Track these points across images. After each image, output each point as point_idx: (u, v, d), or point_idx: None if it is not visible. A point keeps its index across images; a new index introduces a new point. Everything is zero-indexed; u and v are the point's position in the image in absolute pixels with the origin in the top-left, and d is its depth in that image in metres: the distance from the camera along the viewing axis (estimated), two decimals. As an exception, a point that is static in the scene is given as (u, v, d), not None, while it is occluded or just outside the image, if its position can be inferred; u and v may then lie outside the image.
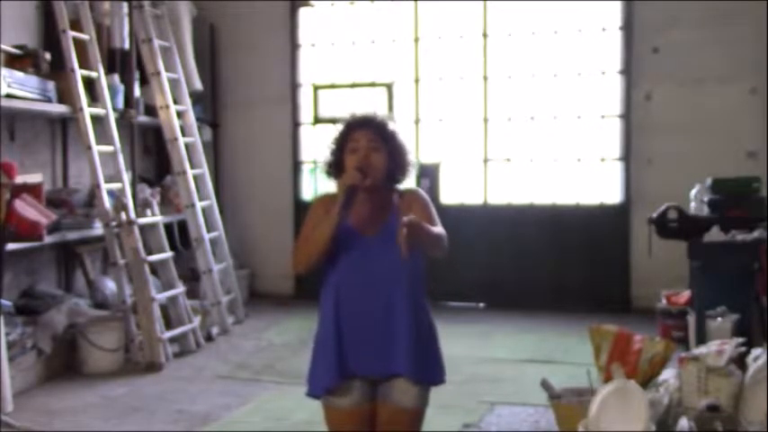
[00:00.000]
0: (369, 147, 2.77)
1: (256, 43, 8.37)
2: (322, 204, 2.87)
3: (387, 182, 2.85)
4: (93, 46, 6.29)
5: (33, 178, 5.97)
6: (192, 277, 7.23)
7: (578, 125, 7.74)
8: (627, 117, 7.58)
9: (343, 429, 2.82)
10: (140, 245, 6.06)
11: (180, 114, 7.26)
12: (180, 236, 7.30)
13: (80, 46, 6.18)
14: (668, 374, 4.05)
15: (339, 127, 2.88)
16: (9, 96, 5.51)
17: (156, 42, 7.08)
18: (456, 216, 7.90)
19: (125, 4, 6.82)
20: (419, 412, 2.84)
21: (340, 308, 2.78)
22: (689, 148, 7.28)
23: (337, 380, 2.75)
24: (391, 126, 2.87)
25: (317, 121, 8.32)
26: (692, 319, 5.38)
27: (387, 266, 2.75)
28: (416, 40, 8.08)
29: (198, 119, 7.67)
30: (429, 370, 2.84)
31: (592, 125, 7.71)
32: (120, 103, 6.63)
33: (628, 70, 7.55)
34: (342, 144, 2.84)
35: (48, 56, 6.22)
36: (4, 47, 5.88)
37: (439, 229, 2.80)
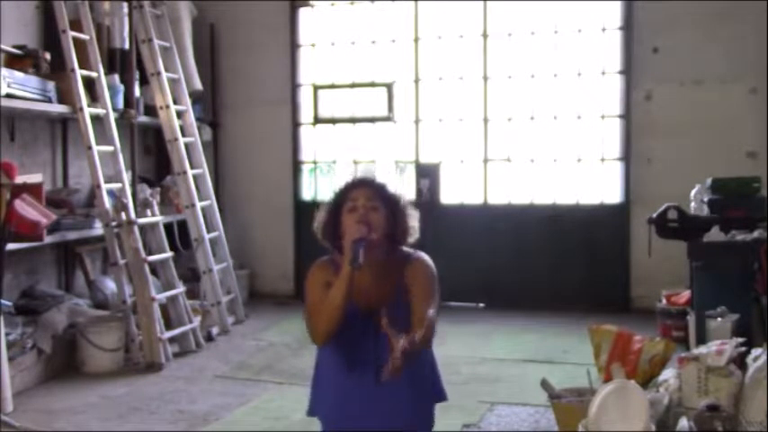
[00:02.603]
0: (367, 205, 2.71)
1: (256, 43, 8.37)
2: (322, 271, 2.82)
3: (388, 245, 2.77)
4: (93, 46, 6.29)
5: (33, 178, 5.96)
6: (192, 277, 7.23)
7: (578, 125, 7.74)
8: (627, 117, 7.58)
9: None
10: (140, 245, 6.06)
11: (180, 114, 7.26)
12: (180, 236, 7.30)
13: (80, 46, 6.18)
14: (668, 374, 4.05)
15: (337, 188, 2.82)
16: (9, 96, 5.51)
17: (156, 42, 7.08)
18: (456, 216, 7.93)
19: (125, 4, 6.82)
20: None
21: (339, 383, 2.76)
22: (689, 148, 7.28)
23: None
24: (392, 188, 2.81)
25: (317, 121, 8.32)
26: (692, 319, 5.38)
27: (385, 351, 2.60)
28: (416, 40, 8.08)
29: (198, 119, 7.67)
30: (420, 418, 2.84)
31: (592, 125, 7.71)
32: (120, 103, 6.63)
33: (628, 70, 7.55)
34: (339, 204, 2.77)
35: (48, 56, 6.22)
36: (4, 47, 5.89)
37: (430, 314, 2.68)
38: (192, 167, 7.20)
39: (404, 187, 2.94)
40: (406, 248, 2.85)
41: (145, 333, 5.91)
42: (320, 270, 2.82)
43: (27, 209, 5.50)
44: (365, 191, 2.73)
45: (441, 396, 2.95)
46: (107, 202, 6.05)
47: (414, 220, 2.84)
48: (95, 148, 6.08)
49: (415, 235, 2.84)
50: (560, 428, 3.98)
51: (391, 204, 2.76)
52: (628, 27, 7.54)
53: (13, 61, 5.90)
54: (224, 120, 8.53)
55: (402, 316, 2.64)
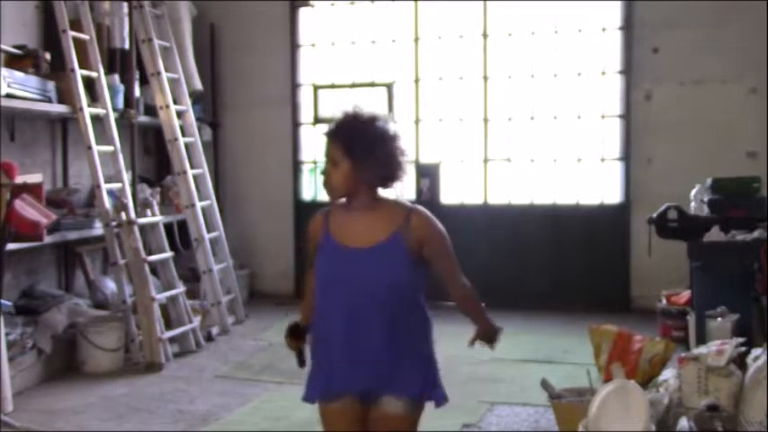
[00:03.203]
0: (330, 161, 2.71)
1: (256, 43, 8.37)
2: (312, 228, 2.85)
3: (377, 186, 2.75)
4: (93, 46, 6.29)
5: (33, 178, 5.96)
6: (192, 277, 7.23)
7: (578, 125, 7.74)
8: (627, 117, 7.58)
9: (336, 429, 2.79)
10: (140, 245, 6.06)
11: (180, 114, 7.26)
12: (180, 236, 7.29)
13: (80, 46, 6.18)
14: (668, 374, 4.05)
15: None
16: (9, 96, 5.51)
17: (156, 42, 7.07)
18: (456, 216, 7.90)
19: (125, 4, 6.82)
20: (410, 419, 2.78)
21: (326, 322, 2.75)
22: (689, 148, 7.28)
23: (324, 392, 2.77)
24: (369, 130, 2.69)
25: (317, 121, 8.31)
26: (691, 319, 5.38)
27: (371, 285, 2.68)
28: (416, 40, 8.08)
29: (198, 119, 7.67)
30: (419, 386, 2.77)
31: (592, 125, 7.71)
32: (120, 103, 6.63)
33: (628, 70, 7.55)
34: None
35: (48, 56, 6.22)
36: (4, 47, 5.89)
37: (455, 273, 2.96)
38: (192, 167, 7.20)
39: (390, 123, 2.80)
40: (403, 201, 2.81)
41: (145, 333, 5.91)
42: (312, 225, 2.86)
43: (27, 209, 5.50)
44: (332, 145, 2.71)
45: (435, 393, 2.86)
46: (107, 202, 6.05)
47: (400, 157, 2.74)
48: (95, 148, 6.08)
49: (405, 172, 2.78)
50: (560, 428, 3.99)
51: (363, 154, 2.67)
52: (628, 27, 7.54)
53: (13, 61, 5.90)
54: (224, 120, 8.53)
55: (397, 256, 2.68)
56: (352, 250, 2.71)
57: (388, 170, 2.73)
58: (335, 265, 2.74)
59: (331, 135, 2.73)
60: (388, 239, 2.69)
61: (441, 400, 2.83)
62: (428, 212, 2.81)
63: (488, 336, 3.06)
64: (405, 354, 2.72)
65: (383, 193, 2.78)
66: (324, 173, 2.75)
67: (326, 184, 2.75)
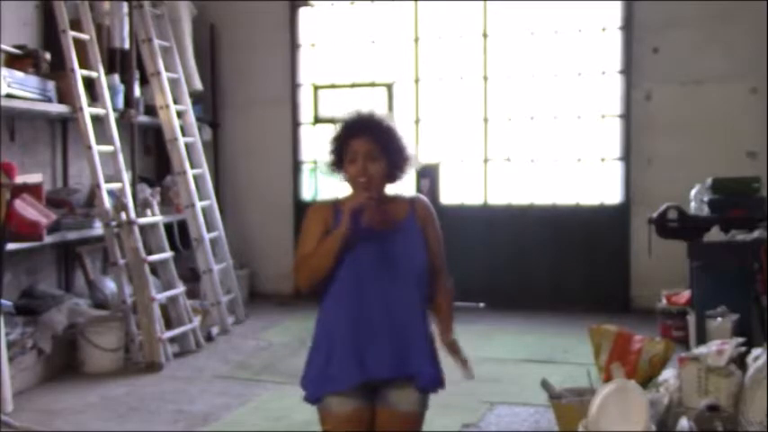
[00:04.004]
0: (367, 157, 2.74)
1: (256, 43, 8.37)
2: (318, 215, 2.82)
3: (387, 180, 2.83)
4: (93, 46, 6.30)
5: (33, 178, 5.97)
6: (191, 277, 7.23)
7: (578, 125, 7.74)
8: (627, 117, 7.58)
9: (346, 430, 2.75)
10: (140, 245, 6.06)
11: (180, 114, 7.26)
12: (180, 236, 7.30)
13: (80, 46, 6.18)
14: (668, 374, 4.05)
15: (338, 127, 2.82)
16: (9, 96, 5.51)
17: (156, 42, 7.08)
18: (456, 216, 7.92)
19: (125, 4, 6.82)
20: (420, 416, 2.84)
21: (354, 303, 2.73)
22: (689, 148, 7.28)
23: (357, 379, 2.70)
24: (389, 125, 2.82)
25: (317, 121, 8.31)
26: (691, 319, 5.38)
27: (402, 263, 2.76)
28: (416, 40, 8.08)
29: (198, 119, 7.67)
30: (437, 375, 2.87)
31: (592, 125, 7.71)
32: (120, 103, 6.63)
33: (628, 70, 7.55)
34: (341, 147, 2.79)
35: (48, 56, 6.22)
36: (4, 47, 5.89)
37: (443, 263, 2.97)
38: (192, 167, 7.20)
39: (397, 121, 2.88)
40: (402, 193, 2.92)
41: (145, 333, 5.91)
42: (316, 213, 2.84)
43: (27, 209, 5.50)
44: (365, 140, 2.74)
45: (442, 381, 2.93)
46: (107, 202, 6.05)
47: (410, 151, 2.88)
48: (95, 148, 6.08)
49: (414, 165, 2.93)
50: (560, 428, 3.98)
51: (391, 146, 2.80)
52: (628, 27, 7.54)
53: (13, 61, 5.90)
54: (224, 120, 8.53)
55: (417, 235, 2.81)
56: (380, 231, 2.76)
57: (405, 165, 2.87)
58: (366, 245, 2.75)
59: (362, 131, 2.76)
60: (407, 219, 2.82)
61: (441, 384, 2.92)
62: (427, 200, 2.98)
63: (452, 345, 2.93)
64: (421, 336, 2.80)
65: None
66: (359, 168, 2.73)
67: (360, 181, 2.73)
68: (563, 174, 7.80)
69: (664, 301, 6.43)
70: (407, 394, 2.77)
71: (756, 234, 5.09)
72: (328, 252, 2.70)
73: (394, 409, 2.76)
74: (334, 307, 2.78)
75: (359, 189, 2.75)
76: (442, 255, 2.95)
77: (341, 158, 2.80)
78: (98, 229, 6.20)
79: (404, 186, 2.95)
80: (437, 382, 2.86)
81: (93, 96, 6.29)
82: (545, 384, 4.19)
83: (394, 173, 2.83)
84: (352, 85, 8.25)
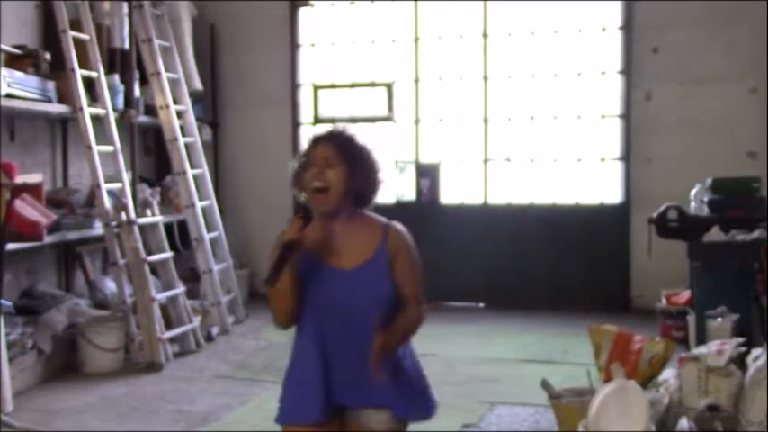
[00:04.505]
0: (324, 162, 2.57)
1: (256, 43, 8.37)
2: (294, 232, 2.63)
3: (355, 203, 2.65)
4: (93, 46, 6.29)
5: (33, 178, 5.97)
6: (191, 277, 7.23)
7: (578, 125, 7.74)
8: (627, 117, 7.58)
9: None
10: (140, 245, 6.06)
11: (180, 114, 7.26)
12: (180, 236, 7.29)
13: (80, 46, 6.18)
14: (668, 374, 4.06)
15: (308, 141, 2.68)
16: (9, 96, 5.51)
17: (156, 42, 7.08)
18: (456, 216, 7.93)
19: (125, 4, 6.82)
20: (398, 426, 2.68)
21: (318, 342, 2.61)
22: (689, 148, 7.28)
23: (323, 414, 2.60)
24: (360, 141, 2.65)
25: (317, 121, 8.31)
26: (691, 319, 5.38)
27: (367, 302, 2.56)
28: (416, 40, 8.08)
29: (198, 119, 7.67)
30: (411, 404, 2.68)
31: (592, 125, 7.71)
32: (120, 103, 6.63)
33: (628, 70, 7.55)
34: (306, 159, 2.64)
35: (48, 56, 6.22)
36: (4, 47, 5.89)
37: (417, 295, 2.64)
38: (192, 167, 7.20)
39: (374, 143, 2.75)
40: (377, 216, 2.72)
41: (145, 333, 5.91)
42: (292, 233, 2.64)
43: (27, 209, 5.50)
44: (325, 147, 2.60)
45: (425, 409, 2.73)
46: (107, 202, 6.05)
47: (383, 175, 2.69)
48: (95, 148, 6.08)
49: (384, 191, 2.72)
50: (560, 428, 3.98)
51: (358, 161, 2.61)
52: (628, 27, 7.54)
53: (13, 61, 5.90)
54: (224, 120, 8.53)
55: (383, 273, 2.59)
56: (335, 271, 2.60)
57: (374, 184, 2.67)
58: (317, 286, 2.60)
59: (322, 139, 2.63)
60: (374, 257, 2.60)
61: (432, 410, 2.75)
62: (404, 229, 2.71)
63: (388, 344, 2.57)
64: (391, 373, 2.59)
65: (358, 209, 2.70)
66: (313, 176, 2.58)
67: (316, 186, 2.58)
68: (563, 174, 7.79)
69: (664, 301, 6.43)
70: (380, 415, 2.63)
71: (756, 234, 5.10)
72: (282, 293, 2.56)
73: (363, 425, 2.64)
74: (300, 341, 2.69)
75: (315, 201, 2.58)
76: (415, 284, 2.66)
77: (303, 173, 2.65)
78: (98, 229, 6.20)
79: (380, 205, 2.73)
80: (409, 411, 2.68)
81: (93, 96, 6.29)
82: (545, 384, 4.19)
83: (361, 192, 2.64)
84: (352, 85, 8.25)
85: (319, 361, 2.62)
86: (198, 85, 7.80)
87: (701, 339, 4.75)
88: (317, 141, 2.65)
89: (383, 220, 2.71)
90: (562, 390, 4.16)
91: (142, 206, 6.43)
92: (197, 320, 6.50)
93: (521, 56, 7.82)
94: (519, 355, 6.09)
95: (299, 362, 2.71)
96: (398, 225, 2.72)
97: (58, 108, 6.07)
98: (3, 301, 5.16)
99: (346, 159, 2.60)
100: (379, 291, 2.59)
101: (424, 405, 2.73)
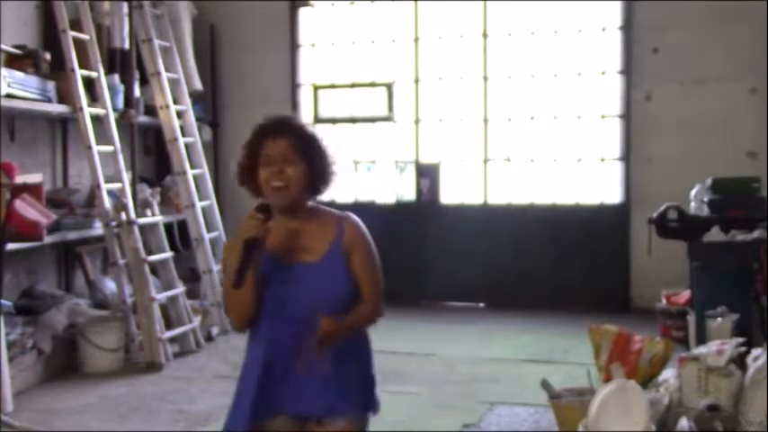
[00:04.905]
0: (284, 160, 2.46)
1: (256, 43, 8.37)
2: (236, 234, 2.51)
3: (309, 194, 2.56)
4: (93, 46, 6.29)
5: (33, 178, 5.97)
6: (191, 277, 7.23)
7: (578, 125, 7.74)
8: (627, 117, 7.58)
9: None
10: (140, 245, 6.06)
11: (180, 114, 7.26)
12: (180, 236, 7.29)
13: (80, 46, 6.18)
14: (668, 374, 4.06)
15: (252, 133, 2.55)
16: (9, 96, 5.51)
17: (156, 42, 7.08)
18: (456, 216, 7.92)
19: (125, 4, 6.82)
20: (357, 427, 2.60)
21: (270, 343, 2.52)
22: (689, 148, 7.28)
23: (254, 422, 2.53)
24: (311, 132, 2.57)
25: (317, 121, 8.31)
26: (691, 319, 5.38)
27: (323, 297, 2.48)
28: (416, 40, 8.08)
29: (198, 119, 7.67)
30: (363, 404, 2.60)
31: (592, 125, 7.71)
32: (120, 103, 6.63)
33: (628, 70, 7.55)
34: (255, 152, 2.51)
35: (48, 56, 6.22)
36: (4, 47, 5.89)
37: (374, 291, 2.55)
38: (192, 167, 7.20)
39: (320, 133, 2.62)
40: (331, 209, 2.64)
41: (145, 333, 5.91)
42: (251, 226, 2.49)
43: (27, 209, 5.50)
44: (281, 141, 2.48)
45: (367, 403, 2.62)
46: (107, 202, 6.05)
47: (333, 164, 2.58)
48: (95, 148, 6.08)
49: (334, 181, 2.61)
50: (560, 428, 3.98)
51: (312, 152, 2.52)
52: (628, 27, 7.54)
53: (13, 61, 5.90)
54: (224, 120, 8.53)
55: (341, 267, 2.51)
56: (295, 265, 2.51)
57: (330, 177, 2.58)
58: (277, 281, 2.50)
59: (278, 132, 2.50)
60: (331, 250, 2.52)
61: (376, 409, 2.65)
62: (359, 221, 2.62)
63: (332, 331, 2.47)
64: (349, 373, 2.54)
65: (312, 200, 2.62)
66: (273, 174, 2.47)
67: (276, 185, 2.47)
68: (563, 174, 7.79)
69: (664, 301, 6.43)
70: (337, 419, 2.54)
71: (756, 234, 5.10)
72: (241, 298, 2.47)
73: (325, 428, 2.55)
74: (252, 344, 2.61)
75: (275, 198, 2.48)
76: (374, 280, 2.57)
77: (253, 167, 2.52)
78: (98, 229, 6.20)
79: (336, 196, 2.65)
80: (365, 414, 2.60)
81: (93, 96, 6.29)
82: (545, 384, 4.19)
83: (316, 183, 2.54)
84: (352, 85, 8.25)
85: (261, 367, 2.55)
86: (198, 85, 7.80)
87: (701, 339, 4.75)
88: (265, 134, 2.52)
89: (337, 212, 2.63)
90: (562, 390, 4.17)
91: (142, 206, 6.43)
92: (197, 320, 6.50)
93: (521, 56, 7.82)
94: (519, 355, 6.09)
95: (248, 365, 2.64)
96: (354, 217, 2.63)
97: (58, 108, 6.07)
98: (3, 301, 5.16)
99: (304, 155, 2.50)
100: (334, 286, 2.50)
101: (362, 401, 2.61)
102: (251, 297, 2.48)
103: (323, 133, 2.62)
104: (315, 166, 2.52)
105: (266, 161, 2.49)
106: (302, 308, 2.49)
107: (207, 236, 7.13)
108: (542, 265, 7.73)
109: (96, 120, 6.21)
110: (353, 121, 8.27)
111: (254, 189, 2.56)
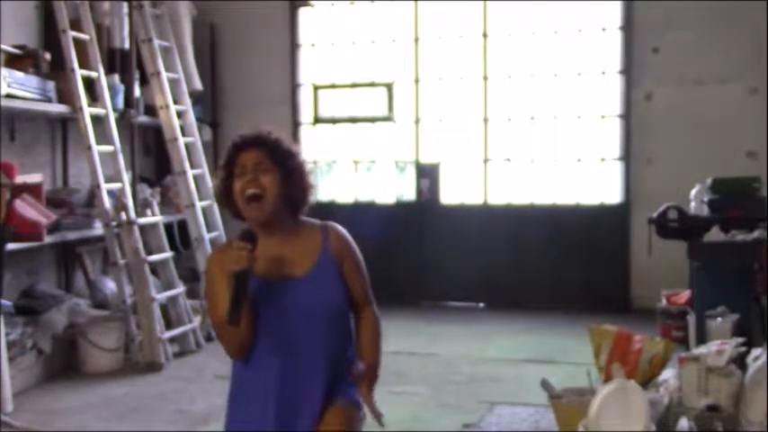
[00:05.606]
0: (257, 168, 2.47)
1: (256, 43, 8.37)
2: (218, 264, 2.52)
3: (291, 211, 2.55)
4: (93, 46, 6.30)
5: (33, 178, 5.97)
6: (191, 277, 7.23)
7: (578, 125, 7.74)
8: (627, 117, 7.58)
9: None
10: (140, 245, 6.06)
11: (180, 114, 7.26)
12: (180, 236, 7.29)
13: (80, 46, 6.18)
14: (668, 374, 4.05)
15: (228, 149, 2.57)
16: (9, 96, 5.51)
17: (156, 42, 7.07)
18: (456, 216, 7.93)
19: (125, 4, 6.82)
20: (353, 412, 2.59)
21: (261, 361, 2.49)
22: (689, 148, 7.28)
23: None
24: (288, 145, 2.58)
25: (317, 121, 8.32)
26: (692, 319, 5.38)
27: (318, 307, 2.49)
28: (416, 40, 8.08)
29: (198, 119, 7.67)
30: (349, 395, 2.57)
31: (592, 125, 7.71)
32: (120, 103, 6.63)
33: (628, 70, 7.55)
34: (231, 167, 2.52)
35: (48, 56, 6.23)
36: (4, 47, 5.89)
37: (366, 295, 2.59)
38: (192, 167, 7.20)
39: (298, 145, 2.68)
40: (311, 219, 2.64)
41: (145, 333, 5.91)
42: (217, 262, 2.52)
43: (27, 209, 5.50)
44: (254, 153, 2.50)
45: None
46: (107, 202, 6.05)
47: (311, 178, 2.60)
48: (95, 148, 6.08)
49: (314, 195, 2.63)
50: (560, 428, 3.98)
51: (286, 165, 2.52)
52: (628, 27, 7.54)
53: (13, 61, 5.90)
54: (224, 120, 8.53)
55: (332, 277, 2.52)
56: (285, 282, 2.49)
57: (306, 187, 2.58)
58: (269, 301, 2.46)
59: (248, 145, 2.52)
60: (320, 261, 2.52)
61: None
62: (342, 228, 2.64)
63: (369, 379, 2.53)
64: (341, 382, 2.55)
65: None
66: (247, 182, 2.46)
67: (251, 192, 2.46)
68: (563, 174, 7.80)
69: (664, 301, 6.42)
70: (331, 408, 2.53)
71: (756, 234, 5.09)
72: (236, 335, 2.42)
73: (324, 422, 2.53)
74: (244, 369, 2.54)
75: (251, 212, 2.49)
76: (366, 286, 2.61)
77: (230, 187, 2.52)
78: (98, 229, 6.20)
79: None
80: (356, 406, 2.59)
81: (93, 96, 6.29)
82: (545, 384, 4.19)
83: (291, 195, 2.53)
84: (353, 85, 8.26)
85: (263, 395, 2.48)
86: (198, 85, 7.79)
87: (701, 339, 4.75)
88: (240, 148, 2.53)
89: (318, 222, 2.63)
90: (562, 390, 4.16)
91: (142, 206, 6.43)
92: (197, 320, 6.50)
93: (521, 56, 7.83)
94: (519, 355, 6.09)
95: (245, 394, 2.55)
96: (336, 225, 2.64)
97: (58, 108, 6.07)
98: (3, 301, 5.16)
99: (278, 163, 2.51)
100: (330, 296, 2.52)
101: (356, 398, 2.61)
102: (247, 328, 2.44)
103: (301, 149, 2.63)
104: (290, 176, 2.51)
105: (240, 171, 2.49)
106: (300, 323, 2.47)
107: (207, 236, 7.12)
108: (542, 265, 7.73)
109: (96, 120, 6.21)
110: (353, 121, 8.27)
111: (234, 208, 2.56)
